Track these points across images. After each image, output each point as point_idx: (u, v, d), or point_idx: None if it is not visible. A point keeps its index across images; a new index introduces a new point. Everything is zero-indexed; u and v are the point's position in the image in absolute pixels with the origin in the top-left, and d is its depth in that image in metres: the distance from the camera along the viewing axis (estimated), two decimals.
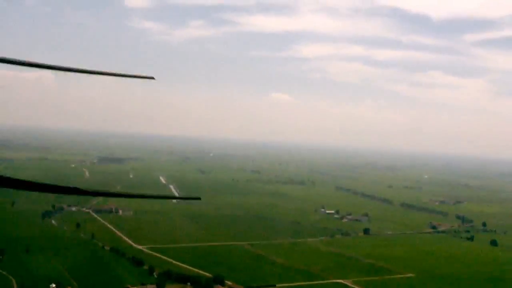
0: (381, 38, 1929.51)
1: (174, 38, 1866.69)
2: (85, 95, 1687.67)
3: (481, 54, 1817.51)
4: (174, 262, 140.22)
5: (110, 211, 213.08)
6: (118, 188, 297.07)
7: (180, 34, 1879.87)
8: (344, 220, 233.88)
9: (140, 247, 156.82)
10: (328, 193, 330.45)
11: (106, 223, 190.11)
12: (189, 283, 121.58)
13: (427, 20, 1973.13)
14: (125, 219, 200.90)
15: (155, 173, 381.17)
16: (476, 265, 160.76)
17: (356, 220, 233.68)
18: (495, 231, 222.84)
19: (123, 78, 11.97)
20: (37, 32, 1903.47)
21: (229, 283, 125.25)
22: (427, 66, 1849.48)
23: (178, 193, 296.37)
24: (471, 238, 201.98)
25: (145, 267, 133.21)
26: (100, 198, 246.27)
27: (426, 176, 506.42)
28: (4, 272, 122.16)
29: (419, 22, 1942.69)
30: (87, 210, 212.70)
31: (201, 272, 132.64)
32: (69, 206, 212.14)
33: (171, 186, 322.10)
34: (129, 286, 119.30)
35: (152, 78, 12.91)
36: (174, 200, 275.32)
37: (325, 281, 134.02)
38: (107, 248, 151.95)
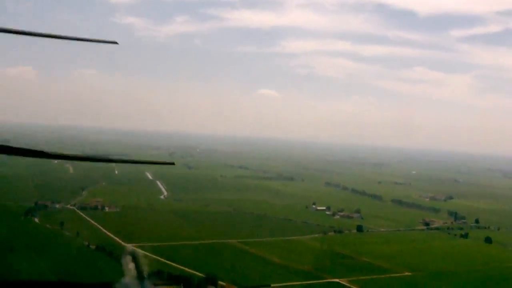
0: (367, 33, 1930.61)
1: (159, 33, 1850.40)
2: (68, 90, 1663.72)
3: (467, 50, 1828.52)
4: (163, 260, 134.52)
5: (96, 208, 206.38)
6: (103, 184, 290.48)
7: (165, 30, 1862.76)
8: (336, 217, 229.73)
9: (127, 245, 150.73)
10: (318, 189, 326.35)
11: (91, 221, 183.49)
12: (182, 284, 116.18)
13: (413, 15, 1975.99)
14: (112, 216, 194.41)
15: (141, 169, 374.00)
16: (474, 263, 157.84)
17: (348, 216, 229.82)
18: (488, 227, 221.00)
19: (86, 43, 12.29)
20: (18, 29, 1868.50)
21: (222, 283, 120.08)
22: (413, 62, 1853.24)
23: (165, 190, 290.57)
24: (465, 235, 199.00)
25: None
26: (85, 195, 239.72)
27: (414, 172, 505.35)
28: None
29: (405, 17, 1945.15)
30: (71, 207, 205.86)
31: (192, 271, 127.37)
32: (53, 203, 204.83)
33: (158, 182, 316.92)
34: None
35: (116, 43, 12.79)
36: (162, 196, 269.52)
37: (321, 281, 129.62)
38: (93, 247, 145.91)
